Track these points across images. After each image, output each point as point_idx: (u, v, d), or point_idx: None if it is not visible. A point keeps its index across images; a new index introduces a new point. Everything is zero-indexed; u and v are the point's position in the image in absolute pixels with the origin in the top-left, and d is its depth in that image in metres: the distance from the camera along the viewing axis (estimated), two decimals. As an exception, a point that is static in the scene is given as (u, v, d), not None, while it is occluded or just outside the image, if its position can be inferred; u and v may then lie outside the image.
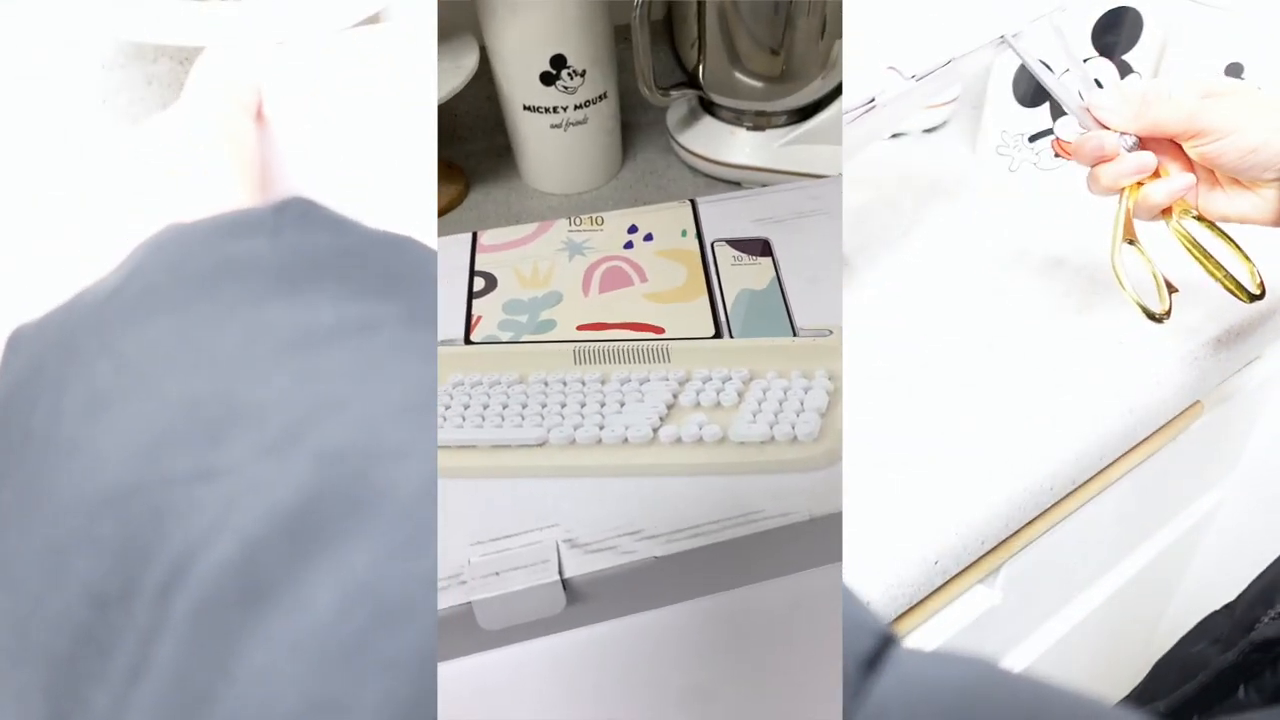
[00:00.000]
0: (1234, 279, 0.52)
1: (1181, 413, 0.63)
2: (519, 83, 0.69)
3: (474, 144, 0.79)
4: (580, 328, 0.46)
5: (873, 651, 0.19)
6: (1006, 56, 0.72)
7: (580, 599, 0.36)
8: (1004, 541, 0.53)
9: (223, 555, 0.18)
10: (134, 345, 0.21)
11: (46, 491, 0.20)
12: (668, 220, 0.53)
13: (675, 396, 0.43)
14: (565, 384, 0.44)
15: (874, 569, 0.45)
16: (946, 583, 0.51)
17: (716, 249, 0.50)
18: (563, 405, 0.43)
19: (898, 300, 0.63)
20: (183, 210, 0.25)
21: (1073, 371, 0.57)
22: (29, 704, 0.19)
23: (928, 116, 0.82)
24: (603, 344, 0.45)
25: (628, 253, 0.51)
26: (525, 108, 0.70)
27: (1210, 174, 0.51)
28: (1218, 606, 0.59)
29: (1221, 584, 0.61)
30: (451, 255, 0.53)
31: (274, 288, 0.22)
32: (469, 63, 0.69)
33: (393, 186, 0.32)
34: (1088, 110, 0.51)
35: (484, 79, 0.70)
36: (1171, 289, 0.52)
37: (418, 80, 0.33)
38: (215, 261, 0.23)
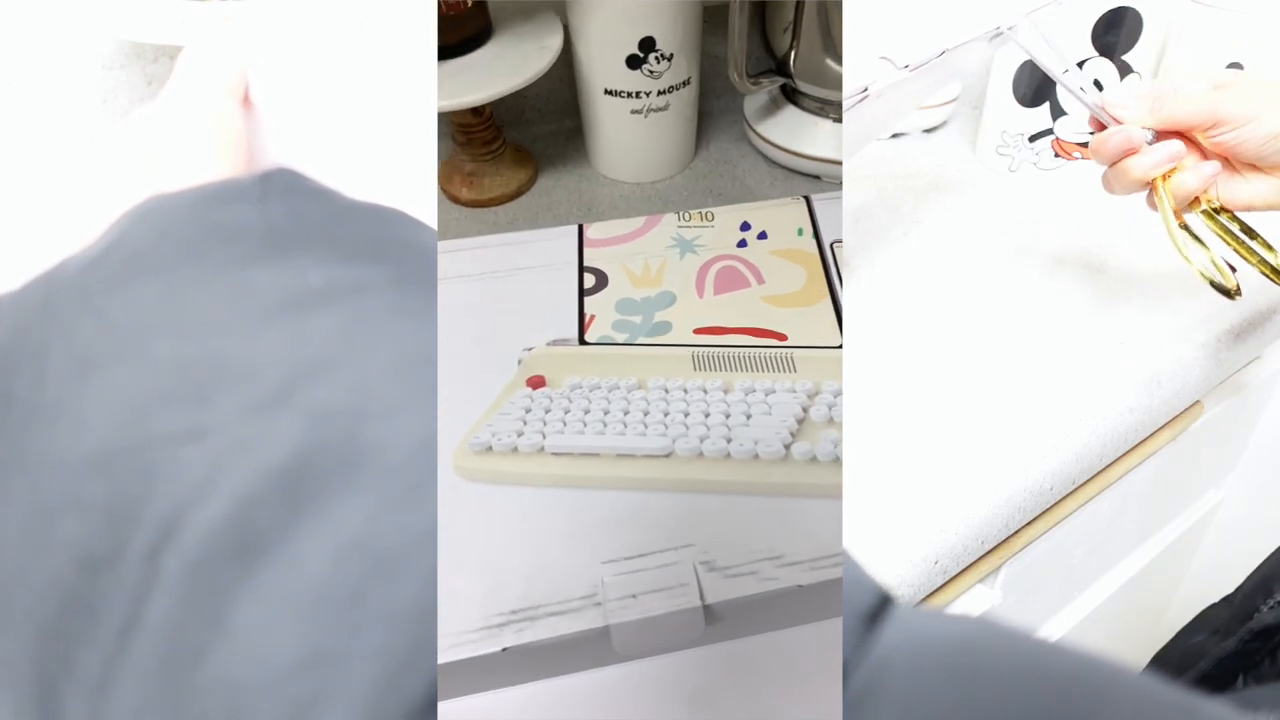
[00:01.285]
0: (1269, 264, 0.52)
1: (1181, 413, 0.63)
2: (602, 65, 0.66)
3: (542, 127, 0.77)
4: (697, 331, 0.46)
5: (874, 607, 0.19)
6: (1006, 55, 0.72)
7: (717, 621, 0.35)
8: (1004, 541, 0.53)
9: (214, 513, 0.18)
10: (119, 308, 0.21)
11: (31, 455, 0.20)
12: (781, 218, 0.52)
13: (805, 410, 0.41)
14: (686, 391, 0.43)
15: (874, 569, 0.45)
16: (946, 583, 0.51)
17: (836, 250, 0.49)
18: (685, 414, 0.42)
19: (897, 300, 0.63)
20: (166, 184, 0.25)
21: (1073, 371, 0.57)
22: (16, 671, 0.19)
23: (928, 116, 0.82)
24: (723, 350, 0.45)
25: (741, 251, 0.50)
26: (606, 91, 0.67)
27: (1227, 162, 0.51)
28: (1217, 600, 0.59)
29: (1221, 583, 0.61)
30: (558, 248, 0.53)
31: (261, 252, 0.22)
32: (554, 43, 0.66)
33: (389, 168, 0.32)
34: (1103, 108, 0.51)
35: (558, 60, 0.67)
36: (1232, 267, 0.51)
37: (417, 63, 0.33)
38: (200, 227, 0.23)
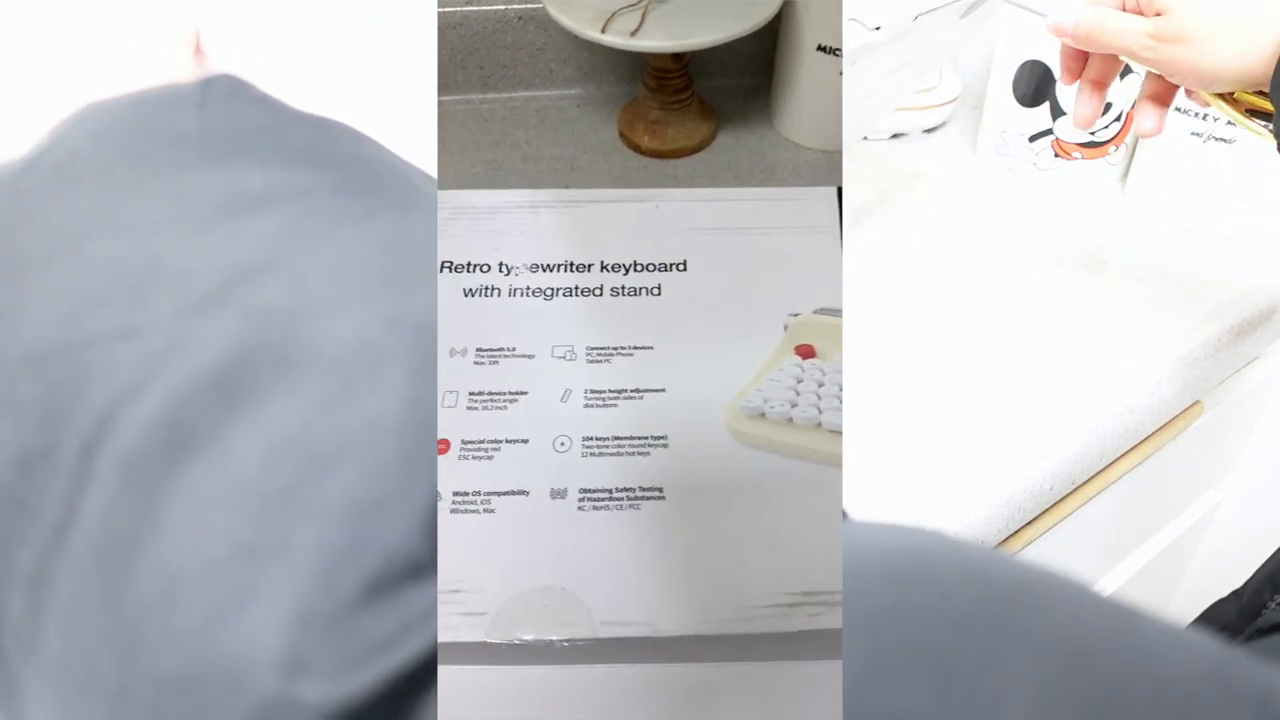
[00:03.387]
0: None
1: (1181, 413, 0.63)
2: (821, 18, 0.62)
3: (723, 80, 0.74)
4: None
5: None
6: (1006, 56, 0.72)
7: None
8: (1004, 541, 0.53)
9: (147, 410, 0.18)
10: (54, 210, 0.21)
11: None
12: None
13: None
14: None
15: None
16: (946, 583, 0.51)
17: None
18: None
19: (897, 300, 0.63)
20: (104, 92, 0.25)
21: (1073, 371, 0.57)
22: None
23: (928, 116, 0.82)
24: None
25: None
26: (820, 49, 0.63)
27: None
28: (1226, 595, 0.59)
29: (1221, 583, 0.61)
30: (816, 211, 0.54)
31: (201, 156, 0.22)
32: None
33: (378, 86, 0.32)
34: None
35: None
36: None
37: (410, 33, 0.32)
38: (139, 130, 0.23)
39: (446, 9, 0.69)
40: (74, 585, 0.18)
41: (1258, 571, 0.55)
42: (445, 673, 0.37)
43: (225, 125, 0.23)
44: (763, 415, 0.44)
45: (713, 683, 0.38)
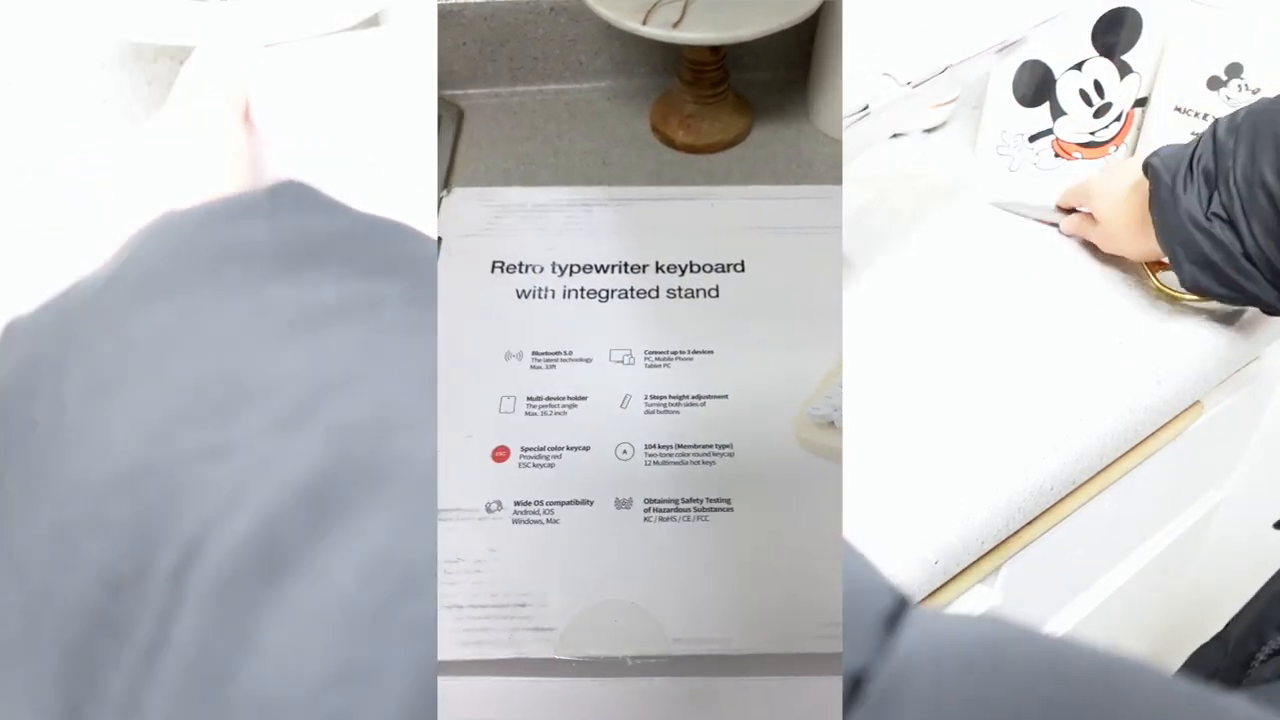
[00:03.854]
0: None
1: (1181, 413, 0.63)
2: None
3: (758, 73, 0.72)
4: None
5: (892, 609, 0.19)
6: (1006, 59, 0.72)
7: None
8: (1004, 541, 0.53)
9: (239, 530, 0.18)
10: (136, 329, 0.21)
11: (53, 477, 0.20)
12: None
13: None
14: None
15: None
16: (946, 583, 0.51)
17: None
18: None
19: (897, 300, 0.63)
20: (176, 200, 0.25)
21: (1073, 371, 0.57)
22: (43, 694, 0.19)
23: (928, 116, 0.82)
24: None
25: None
26: None
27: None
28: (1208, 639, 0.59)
29: (1221, 584, 0.61)
30: None
31: (274, 268, 0.22)
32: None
33: (390, 180, 0.32)
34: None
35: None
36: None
37: (416, 80, 0.33)
38: (213, 244, 0.23)
39: (477, 0, 0.68)
40: (167, 711, 0.17)
41: (1240, 615, 0.55)
42: (492, 682, 0.37)
43: (295, 235, 0.23)
44: (832, 424, 0.43)
45: (777, 696, 0.37)
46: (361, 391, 0.20)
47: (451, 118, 0.69)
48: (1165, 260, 0.58)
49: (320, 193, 0.25)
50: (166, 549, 0.18)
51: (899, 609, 0.19)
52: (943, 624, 0.20)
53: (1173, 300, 0.62)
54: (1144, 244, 0.59)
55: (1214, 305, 0.61)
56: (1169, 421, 0.62)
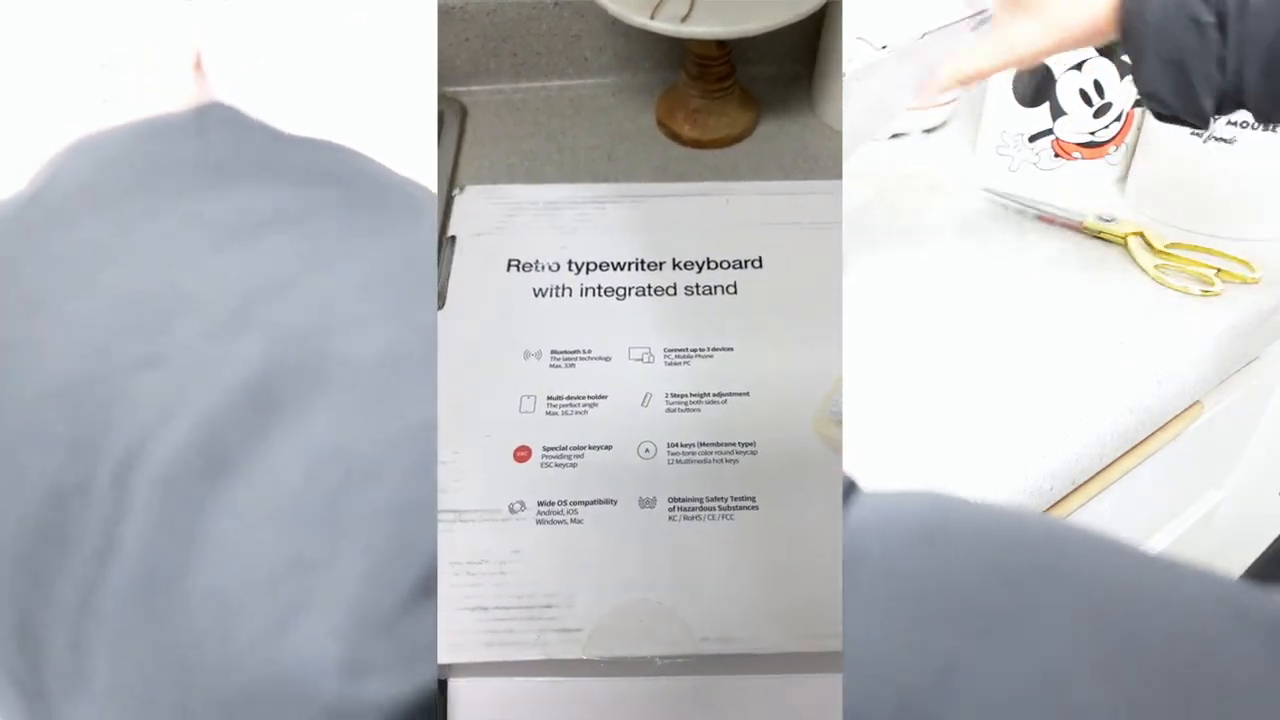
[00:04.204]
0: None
1: (1181, 413, 0.63)
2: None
3: (763, 68, 0.72)
4: None
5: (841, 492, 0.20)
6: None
7: None
8: (1004, 541, 0.53)
9: (180, 433, 0.18)
10: (64, 245, 0.21)
11: None
12: None
13: None
14: None
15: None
16: (946, 582, 0.51)
17: None
18: None
19: (897, 300, 0.63)
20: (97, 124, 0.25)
21: (1073, 371, 0.57)
22: None
23: (928, 116, 0.82)
24: None
25: None
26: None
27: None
28: None
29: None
30: None
31: (206, 181, 0.22)
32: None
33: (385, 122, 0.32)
34: None
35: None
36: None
37: (416, 76, 0.32)
38: (140, 159, 0.23)
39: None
40: (120, 615, 0.17)
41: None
42: (495, 682, 0.37)
43: (226, 150, 0.23)
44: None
45: (801, 692, 0.37)
46: (300, 295, 0.20)
47: (455, 115, 0.69)
48: (1104, 53, 0.50)
49: (249, 114, 0.24)
50: (108, 457, 0.18)
51: (848, 490, 0.20)
52: (887, 501, 0.20)
53: (1160, 278, 0.61)
54: (1088, 22, 0.48)
55: (1216, 305, 0.61)
56: (1169, 421, 0.62)
